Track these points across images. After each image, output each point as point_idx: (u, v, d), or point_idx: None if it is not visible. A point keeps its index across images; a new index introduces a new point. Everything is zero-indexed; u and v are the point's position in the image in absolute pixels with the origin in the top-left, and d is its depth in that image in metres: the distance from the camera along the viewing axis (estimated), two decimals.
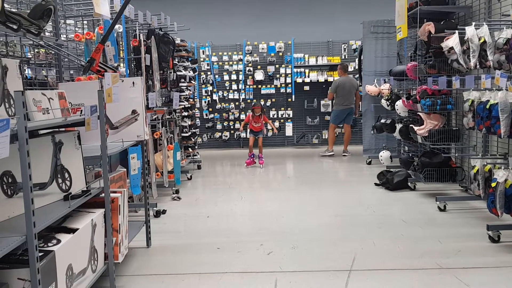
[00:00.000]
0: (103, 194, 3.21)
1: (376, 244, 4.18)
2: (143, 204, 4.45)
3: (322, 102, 10.80)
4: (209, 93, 10.88)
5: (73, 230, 2.73)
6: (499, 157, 4.49)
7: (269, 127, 9.00)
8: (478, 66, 4.50)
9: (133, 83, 4.16)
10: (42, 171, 2.79)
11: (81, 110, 3.36)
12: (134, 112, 4.12)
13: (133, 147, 4.29)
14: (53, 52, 4.33)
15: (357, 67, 9.59)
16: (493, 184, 3.88)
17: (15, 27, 2.71)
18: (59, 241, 2.55)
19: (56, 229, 2.72)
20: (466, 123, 4.61)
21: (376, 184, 6.55)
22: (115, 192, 3.37)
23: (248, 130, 8.62)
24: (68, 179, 2.98)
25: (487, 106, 4.04)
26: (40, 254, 2.29)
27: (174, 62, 7.05)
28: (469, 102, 4.49)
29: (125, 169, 4.47)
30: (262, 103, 10.90)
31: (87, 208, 3.12)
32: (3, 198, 2.47)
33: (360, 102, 9.14)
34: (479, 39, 4.38)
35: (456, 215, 4.97)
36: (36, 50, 4.39)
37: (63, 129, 3.19)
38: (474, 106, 4.40)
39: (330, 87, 9.51)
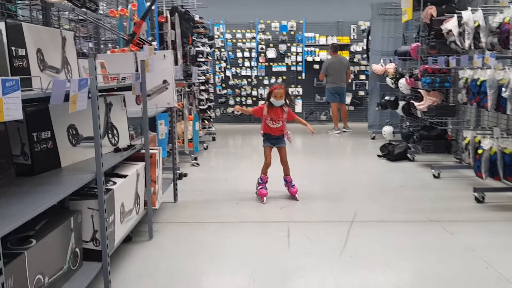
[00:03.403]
0: (143, 150, 3.78)
1: (375, 203, 4.76)
2: (169, 167, 5.03)
3: None
4: (223, 70, 11.37)
5: (123, 176, 3.30)
6: (488, 129, 5.01)
7: (287, 137, 4.91)
8: (472, 47, 4.99)
9: (164, 55, 4.69)
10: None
11: (121, 78, 3.92)
12: (165, 82, 4.66)
13: (161, 114, 4.85)
14: (88, 27, 4.86)
15: (365, 47, 10.03)
16: (480, 151, 4.42)
17: (79, 4, 3.23)
18: (115, 183, 3.13)
19: (110, 175, 3.30)
20: (460, 98, 5.13)
21: (378, 156, 7.09)
22: (153, 149, 3.94)
23: (261, 134, 4.93)
24: (116, 135, 3.54)
25: (478, 83, 4.55)
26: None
27: (193, 38, 7.55)
28: (463, 80, 5.00)
29: (155, 133, 5.04)
30: (273, 80, 11.40)
31: (131, 161, 3.69)
32: (69, 146, 3.03)
33: (352, 76, 9.77)
34: (474, 22, 4.86)
35: (448, 181, 5.53)
36: (73, 24, 4.90)
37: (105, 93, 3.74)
38: (467, 83, 4.91)
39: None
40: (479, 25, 4.79)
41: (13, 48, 2.48)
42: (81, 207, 2.77)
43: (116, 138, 3.54)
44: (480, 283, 2.99)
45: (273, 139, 4.88)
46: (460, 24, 5.18)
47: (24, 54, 2.57)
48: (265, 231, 4.01)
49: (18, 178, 2.55)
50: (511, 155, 4.31)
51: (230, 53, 11.34)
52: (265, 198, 4.74)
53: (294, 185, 4.87)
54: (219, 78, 11.36)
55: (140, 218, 3.69)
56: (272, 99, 4.74)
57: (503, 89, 4.18)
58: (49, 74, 2.88)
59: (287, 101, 4.81)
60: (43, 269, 2.28)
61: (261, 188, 4.82)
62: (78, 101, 2.35)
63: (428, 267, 3.24)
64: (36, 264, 2.20)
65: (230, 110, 11.53)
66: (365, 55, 10.25)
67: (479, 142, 4.77)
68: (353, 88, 11.22)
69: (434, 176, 5.69)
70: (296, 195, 4.80)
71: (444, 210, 4.45)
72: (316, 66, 11.14)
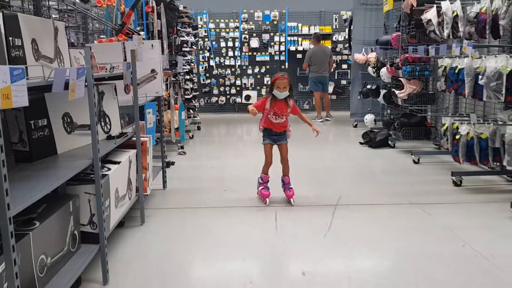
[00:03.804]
0: (134, 138, 3.87)
1: (358, 188, 4.94)
2: (157, 155, 5.12)
3: None
4: (206, 59, 11.42)
5: (117, 162, 3.40)
6: (465, 115, 5.23)
7: (288, 131, 4.50)
8: (451, 36, 5.18)
9: (152, 45, 4.76)
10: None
11: (109, 67, 4.00)
12: (153, 71, 4.74)
13: (149, 103, 4.93)
14: (76, 17, 4.90)
15: (347, 37, 10.20)
16: (457, 137, 4.63)
17: None
18: (109, 169, 3.23)
19: (104, 161, 3.39)
20: (439, 86, 5.33)
21: (360, 143, 7.29)
22: (143, 137, 4.03)
23: (261, 129, 4.48)
24: (109, 123, 3.62)
25: (456, 71, 4.75)
26: None
27: (177, 28, 7.60)
28: (442, 68, 5.19)
29: (143, 122, 5.12)
30: (257, 70, 11.51)
31: (122, 148, 3.78)
32: (64, 134, 3.11)
33: (334, 65, 10.03)
34: (453, 12, 5.04)
35: (427, 166, 5.75)
36: (61, 14, 4.93)
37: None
38: (446, 71, 5.11)
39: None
40: (457, 15, 4.98)
41: (10, 38, 2.55)
42: (79, 191, 2.87)
43: (109, 126, 3.63)
44: (458, 260, 3.19)
45: (275, 136, 4.39)
46: (439, 14, 5.36)
47: (20, 44, 2.64)
48: (253, 215, 4.16)
49: (17, 165, 2.63)
50: (487, 140, 4.53)
51: (213, 42, 11.39)
52: (267, 199, 4.37)
53: (291, 188, 4.42)
54: (202, 67, 11.41)
55: (132, 203, 3.80)
56: (275, 91, 4.22)
57: (480, 76, 4.37)
58: (43, 64, 2.95)
59: (291, 92, 4.30)
60: (45, 250, 2.38)
61: (262, 188, 4.43)
62: (76, 89, 2.43)
63: (408, 245, 3.43)
64: (39, 245, 2.30)
65: (214, 100, 11.61)
66: (347, 45, 10.42)
67: (457, 128, 4.99)
68: (336, 77, 11.41)
69: (414, 162, 5.91)
70: (292, 199, 4.36)
71: (424, 193, 4.66)
72: (299, 56, 11.27)
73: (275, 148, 4.43)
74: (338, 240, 3.56)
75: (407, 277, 2.95)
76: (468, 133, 4.57)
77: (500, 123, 4.44)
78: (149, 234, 3.74)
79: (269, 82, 11.38)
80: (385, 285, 2.86)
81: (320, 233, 3.67)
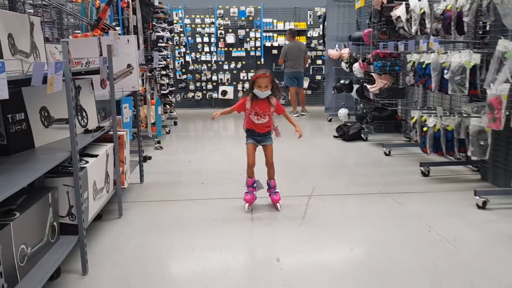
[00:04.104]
0: (111, 132, 3.92)
1: (332, 179, 5.10)
2: (134, 150, 5.16)
3: None
4: (182, 55, 11.44)
5: (94, 156, 3.45)
6: (433, 108, 5.45)
7: (275, 131, 4.33)
8: (419, 33, 5.38)
9: (128, 40, 4.80)
10: (66, 109, 3.46)
11: (85, 62, 4.04)
12: (129, 66, 4.79)
13: (125, 97, 4.97)
14: (51, 12, 4.90)
15: (321, 33, 10.37)
16: (425, 129, 4.83)
17: None
18: (87, 162, 3.28)
19: (81, 155, 3.44)
20: (408, 81, 5.53)
21: (334, 137, 7.47)
22: (120, 131, 4.08)
23: (244, 129, 4.25)
24: (86, 117, 3.67)
25: (423, 66, 4.95)
26: None
27: (153, 23, 7.62)
28: (411, 63, 5.39)
29: (119, 117, 5.16)
30: (233, 65, 11.58)
31: (100, 142, 3.83)
32: (42, 128, 3.15)
33: (309, 61, 10.25)
34: (420, 9, 5.24)
35: (398, 158, 5.97)
36: (36, 9, 4.92)
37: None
38: (414, 66, 5.30)
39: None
40: (424, 12, 5.17)
41: None
42: (57, 184, 2.92)
43: (86, 120, 3.67)
44: (424, 244, 3.37)
45: (258, 136, 4.13)
46: (407, 11, 5.56)
47: None
48: (230, 206, 4.26)
49: None
50: (453, 132, 4.75)
51: (189, 38, 11.41)
52: (247, 205, 4.07)
53: (277, 192, 4.18)
54: (178, 63, 11.43)
55: (110, 196, 3.85)
56: (255, 90, 3.97)
57: (445, 71, 4.58)
58: (20, 58, 2.98)
59: (275, 91, 4.06)
60: (26, 240, 2.44)
61: (246, 192, 4.16)
62: (54, 83, 2.49)
63: (378, 231, 3.60)
64: (20, 235, 2.36)
65: (190, 95, 11.64)
66: (321, 41, 10.60)
67: (425, 120, 5.20)
68: (311, 72, 11.58)
69: (385, 154, 6.12)
70: (278, 204, 4.10)
71: (394, 183, 4.85)
72: (275, 51, 11.40)
73: (260, 150, 4.20)
74: (311, 228, 3.70)
75: (376, 261, 3.11)
76: (435, 125, 4.78)
77: (464, 115, 4.66)
78: (127, 227, 3.80)
79: (245, 78, 11.55)
80: (355, 270, 3.01)
81: (294, 222, 3.81)
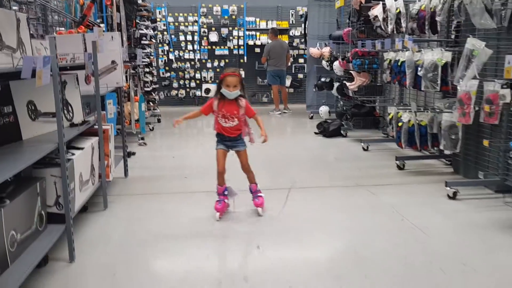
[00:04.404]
0: (96, 126, 4.02)
1: (312, 173, 5.28)
2: (118, 145, 5.25)
3: None
4: (166, 53, 11.51)
5: (80, 148, 3.56)
6: (409, 105, 5.66)
7: (248, 136, 3.97)
8: (395, 32, 5.59)
9: (112, 37, 4.89)
10: (52, 103, 3.56)
11: (70, 58, 4.13)
12: (113, 62, 4.88)
13: (109, 93, 5.06)
14: (36, 9, 4.96)
15: (303, 32, 10.55)
16: (400, 124, 5.04)
17: None
18: (73, 154, 3.38)
19: (67, 147, 3.53)
20: (385, 78, 5.73)
21: (315, 133, 7.65)
22: (105, 125, 4.18)
23: (215, 134, 3.93)
24: (71, 111, 3.77)
25: (399, 64, 5.15)
26: None
27: (136, 21, 7.69)
28: (387, 61, 5.59)
29: (104, 112, 5.24)
30: (216, 64, 11.69)
31: (85, 136, 3.93)
32: (29, 121, 3.25)
33: (291, 59, 10.51)
34: (396, 9, 5.44)
35: (375, 153, 6.18)
36: (21, 6, 4.98)
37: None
38: (391, 64, 5.51)
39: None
40: (400, 12, 5.38)
41: None
42: (45, 174, 3.02)
43: (71, 114, 3.77)
44: (397, 231, 3.56)
45: (228, 141, 3.84)
46: (384, 10, 5.76)
47: None
48: (213, 199, 4.38)
49: None
50: (426, 127, 4.96)
51: (172, 36, 11.48)
52: (217, 214, 3.80)
53: (260, 196, 3.95)
54: (162, 61, 11.49)
55: (95, 189, 3.96)
56: (223, 89, 3.70)
57: (419, 68, 4.79)
58: (7, 54, 3.07)
59: (243, 91, 3.78)
60: (15, 226, 2.54)
61: (217, 201, 3.89)
62: (43, 76, 2.59)
63: (355, 220, 3.78)
64: (10, 221, 2.46)
65: (174, 93, 11.72)
66: (303, 39, 10.78)
67: (400, 116, 5.40)
68: (293, 71, 11.76)
69: (364, 149, 6.32)
70: (259, 209, 3.88)
71: (370, 177, 5.05)
72: (257, 50, 11.54)
73: (231, 156, 3.94)
74: (291, 218, 3.86)
75: (352, 247, 3.28)
76: (409, 120, 4.98)
77: (437, 111, 4.88)
78: (112, 218, 3.91)
79: None
80: (332, 255, 3.18)
81: (274, 212, 3.96)
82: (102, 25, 5.67)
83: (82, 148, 3.56)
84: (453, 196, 4.23)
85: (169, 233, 3.57)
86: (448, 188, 4.26)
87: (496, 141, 4.23)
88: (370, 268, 2.95)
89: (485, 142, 4.16)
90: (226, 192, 3.93)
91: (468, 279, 2.81)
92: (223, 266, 3.08)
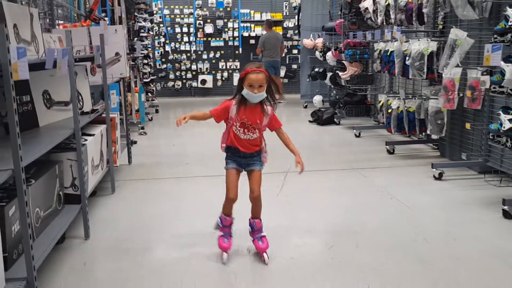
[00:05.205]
0: (104, 114, 4.27)
1: (307, 158, 5.46)
2: (122, 134, 5.51)
3: None
4: (162, 45, 11.71)
5: (91, 135, 3.81)
6: (398, 92, 5.95)
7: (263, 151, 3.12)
8: (384, 23, 5.86)
9: (116, 30, 5.13)
10: (65, 93, 3.81)
11: (76, 51, 4.36)
12: (117, 54, 5.12)
13: (112, 84, 5.30)
14: (43, 4, 5.16)
15: (297, 23, 10.79)
16: (390, 111, 5.33)
17: None
18: (86, 139, 3.64)
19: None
20: (375, 67, 6.01)
21: (310, 121, 7.94)
22: (112, 113, 4.44)
23: (223, 148, 3.06)
24: (82, 100, 4.02)
25: (388, 54, 5.43)
26: None
27: (135, 14, 7.91)
28: (377, 51, 5.87)
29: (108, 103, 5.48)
30: (212, 55, 11.92)
31: (93, 124, 4.18)
32: (44, 109, 3.50)
33: (285, 50, 10.73)
34: (385, 1, 5.70)
35: (367, 139, 6.48)
36: (27, 1, 5.17)
37: None
38: (381, 54, 5.78)
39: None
40: (389, 4, 5.64)
41: None
42: (62, 158, 3.28)
43: (81, 103, 4.02)
44: (386, 208, 3.86)
45: (243, 158, 2.95)
46: (374, 2, 6.02)
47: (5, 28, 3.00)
48: (214, 183, 4.65)
49: (7, 135, 3.01)
50: (414, 113, 5.25)
51: (168, 28, 11.68)
52: (225, 254, 2.96)
53: (264, 236, 3.01)
54: (158, 53, 11.70)
55: (104, 173, 4.22)
56: (246, 91, 2.80)
57: (407, 58, 5.06)
58: (23, 47, 3.31)
59: (272, 94, 2.92)
60: (39, 204, 2.80)
61: (221, 236, 3.05)
62: (62, 67, 2.84)
63: (348, 199, 4.08)
64: (35, 199, 2.73)
65: (170, 84, 11.94)
66: (296, 31, 11.03)
67: (390, 103, 5.69)
68: (287, 61, 12.01)
69: (356, 136, 6.62)
70: (265, 254, 2.94)
71: (362, 161, 5.35)
72: (252, 41, 11.77)
73: (243, 178, 3.03)
74: (288, 198, 4.15)
75: (345, 223, 3.58)
76: (398, 107, 5.27)
77: (424, 97, 5.17)
78: (121, 201, 4.18)
79: (223, 67, 11.92)
80: (327, 230, 3.47)
81: (272, 194, 4.24)
82: (106, 18, 5.89)
83: (93, 135, 3.81)
84: (439, 177, 4.53)
85: (174, 212, 3.84)
86: (434, 170, 4.56)
87: (479, 125, 4.53)
88: (361, 239, 3.25)
89: (467, 125, 4.45)
90: (234, 227, 3.09)
91: (449, 247, 3.12)
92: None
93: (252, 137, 2.94)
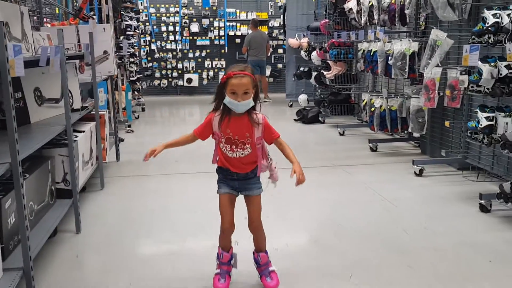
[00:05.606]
0: (93, 112, 4.33)
1: None
2: (110, 131, 5.56)
3: None
4: (148, 43, 11.73)
5: (81, 131, 3.88)
6: (381, 92, 6.12)
7: (270, 173, 2.81)
8: (368, 23, 6.01)
9: (104, 28, 5.18)
10: (55, 90, 3.86)
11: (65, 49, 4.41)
12: (105, 52, 5.17)
13: (100, 82, 5.35)
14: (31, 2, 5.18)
15: (282, 23, 10.92)
16: (373, 109, 5.48)
17: None
18: (76, 136, 3.70)
19: None
20: (359, 67, 6.17)
21: (295, 120, 8.07)
22: (101, 111, 4.50)
23: (216, 169, 2.61)
24: (71, 97, 4.07)
25: (371, 53, 5.58)
26: None
27: (121, 12, 7.94)
28: (361, 51, 6.02)
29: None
30: (198, 54, 11.98)
31: (83, 121, 4.24)
32: (35, 106, 3.55)
33: (271, 50, 10.83)
34: (369, 2, 5.86)
35: (350, 137, 6.64)
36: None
37: None
38: (364, 54, 5.94)
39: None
40: (372, 5, 5.80)
41: None
42: (54, 154, 3.34)
43: (71, 100, 4.07)
44: (368, 203, 4.00)
45: (236, 180, 2.57)
46: (358, 3, 6.17)
47: None
48: (202, 179, 4.75)
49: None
50: (396, 111, 5.42)
51: (154, 27, 11.71)
52: None
53: (273, 271, 2.64)
54: (144, 51, 11.71)
55: (93, 170, 4.28)
56: (227, 99, 2.38)
57: (390, 57, 5.22)
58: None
59: (258, 99, 2.48)
60: (33, 198, 2.87)
61: (217, 275, 2.59)
62: (54, 64, 2.91)
63: (331, 194, 4.21)
64: (29, 193, 2.79)
65: (156, 83, 11.97)
66: (282, 30, 11.16)
67: (373, 102, 5.85)
68: (273, 61, 12.14)
69: (340, 134, 6.77)
70: None
71: (346, 158, 5.49)
72: (238, 40, 11.86)
73: (239, 202, 2.66)
74: (272, 196, 4.24)
75: (328, 216, 3.71)
76: (381, 106, 5.43)
77: (406, 96, 5.33)
78: (110, 196, 4.25)
79: (209, 66, 12.03)
80: (311, 224, 3.60)
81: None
82: (94, 17, 5.93)
83: (83, 131, 3.88)
84: (420, 173, 4.69)
85: (163, 207, 3.93)
86: (415, 166, 4.72)
87: (458, 123, 4.71)
88: (344, 232, 3.38)
89: (446, 123, 4.63)
90: (232, 261, 2.64)
91: (427, 238, 3.27)
92: (215, 230, 3.46)
93: (243, 154, 2.49)
